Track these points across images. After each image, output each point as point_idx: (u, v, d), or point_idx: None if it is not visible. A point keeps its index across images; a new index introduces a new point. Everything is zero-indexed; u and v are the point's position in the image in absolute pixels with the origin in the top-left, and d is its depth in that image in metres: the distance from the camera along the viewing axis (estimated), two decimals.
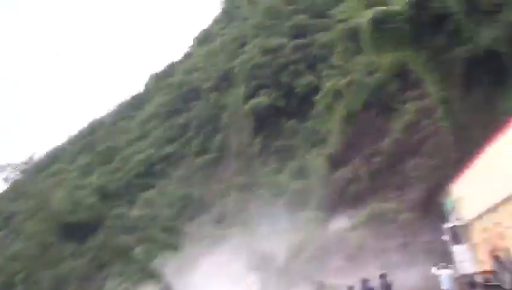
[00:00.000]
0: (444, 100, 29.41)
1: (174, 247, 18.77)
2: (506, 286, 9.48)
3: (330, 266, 38.05)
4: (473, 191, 10.53)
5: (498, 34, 24.84)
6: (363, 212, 39.30)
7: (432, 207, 29.49)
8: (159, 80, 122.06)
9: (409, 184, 34.88)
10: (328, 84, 49.96)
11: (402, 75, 38.50)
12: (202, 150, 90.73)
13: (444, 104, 29.65)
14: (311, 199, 50.72)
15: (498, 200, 9.03)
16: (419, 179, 33.81)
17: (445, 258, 16.95)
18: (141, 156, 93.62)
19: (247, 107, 75.10)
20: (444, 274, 16.06)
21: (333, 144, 47.70)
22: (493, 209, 9.39)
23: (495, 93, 26.38)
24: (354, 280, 18.33)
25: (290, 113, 67.29)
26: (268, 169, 69.96)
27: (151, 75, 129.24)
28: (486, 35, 25.48)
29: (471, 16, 26.38)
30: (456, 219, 11.92)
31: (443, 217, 15.09)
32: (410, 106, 37.33)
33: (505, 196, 8.74)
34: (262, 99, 73.25)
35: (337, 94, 46.65)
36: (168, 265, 20.35)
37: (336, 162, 46.24)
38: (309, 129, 61.75)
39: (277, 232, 58.86)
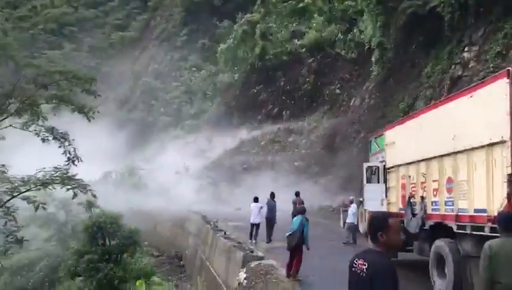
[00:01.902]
0: (381, 45, 30.11)
1: (85, 113, 17.94)
2: (412, 230, 10.48)
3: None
4: (406, 140, 11.12)
5: None
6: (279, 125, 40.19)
7: (354, 142, 31.25)
8: None
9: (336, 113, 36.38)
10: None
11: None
12: (122, 26, 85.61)
13: (380, 49, 30.37)
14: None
15: (432, 155, 9.68)
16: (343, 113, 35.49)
17: (356, 194, 18.28)
18: (55, 12, 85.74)
19: None
20: (351, 208, 17.22)
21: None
22: (424, 162, 10.06)
23: (425, 52, 27.54)
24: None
25: (225, 15, 64.88)
26: (187, 64, 68.41)
27: None
28: None
29: None
30: (379, 161, 12.67)
31: (366, 154, 16.02)
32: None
33: (441, 153, 9.36)
34: None
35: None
36: (74, 130, 19.68)
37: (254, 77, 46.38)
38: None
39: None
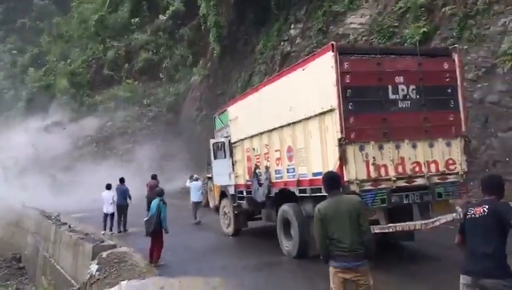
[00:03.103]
0: (217, 25, 30.49)
1: None
2: (259, 199, 11.01)
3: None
4: (248, 114, 11.55)
5: None
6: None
7: (197, 120, 31.23)
8: None
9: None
10: None
11: None
12: None
13: (216, 27, 30.71)
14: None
15: (272, 127, 10.25)
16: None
17: (203, 171, 18.33)
18: None
19: None
20: (194, 186, 17.18)
21: None
22: (265, 134, 10.59)
23: (256, 29, 28.73)
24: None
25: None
26: (6, 47, 61.36)
27: None
28: None
29: None
30: (224, 136, 12.97)
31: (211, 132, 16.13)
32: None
33: (281, 124, 9.97)
34: None
35: None
36: None
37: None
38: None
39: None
